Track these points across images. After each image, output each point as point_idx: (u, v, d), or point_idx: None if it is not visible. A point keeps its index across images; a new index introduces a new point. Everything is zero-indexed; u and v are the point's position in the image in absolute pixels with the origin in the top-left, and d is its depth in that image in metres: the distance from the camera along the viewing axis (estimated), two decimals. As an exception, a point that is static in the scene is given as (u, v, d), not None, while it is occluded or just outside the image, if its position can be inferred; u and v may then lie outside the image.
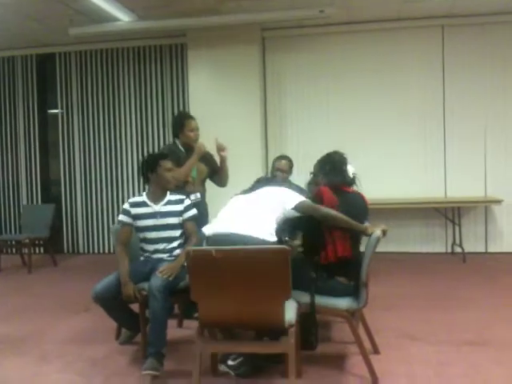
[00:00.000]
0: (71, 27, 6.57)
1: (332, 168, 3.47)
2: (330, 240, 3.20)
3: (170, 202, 3.80)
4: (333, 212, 3.17)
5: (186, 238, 3.81)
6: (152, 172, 3.80)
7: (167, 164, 3.83)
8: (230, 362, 3.22)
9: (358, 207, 3.39)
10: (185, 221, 3.78)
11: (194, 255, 2.62)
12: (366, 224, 3.26)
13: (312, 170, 4.48)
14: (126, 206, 3.82)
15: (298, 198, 3.26)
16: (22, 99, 8.12)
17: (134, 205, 3.80)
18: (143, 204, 3.80)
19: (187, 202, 3.85)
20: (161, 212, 3.76)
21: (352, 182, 3.53)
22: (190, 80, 7.24)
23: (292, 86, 7.38)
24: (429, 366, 3.33)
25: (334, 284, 3.26)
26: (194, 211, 3.85)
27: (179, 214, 3.78)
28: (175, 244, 3.77)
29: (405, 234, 7.14)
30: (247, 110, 7.01)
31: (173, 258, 3.70)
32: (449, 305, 4.68)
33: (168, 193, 3.85)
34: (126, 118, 7.84)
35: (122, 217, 3.80)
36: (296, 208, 3.21)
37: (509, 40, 6.89)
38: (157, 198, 3.81)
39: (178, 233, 3.79)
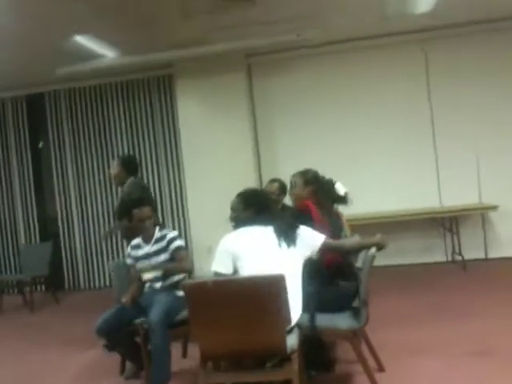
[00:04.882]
0: (58, 67, 6.62)
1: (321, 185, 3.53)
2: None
3: (157, 240, 3.82)
4: (354, 243, 3.22)
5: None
6: (128, 221, 3.84)
7: (141, 213, 3.77)
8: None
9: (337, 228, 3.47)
10: (172, 253, 3.76)
11: (190, 288, 2.62)
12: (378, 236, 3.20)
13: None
14: (128, 249, 3.91)
15: (320, 238, 3.07)
16: (14, 140, 8.15)
17: (133, 247, 3.88)
18: (139, 246, 3.86)
19: (170, 235, 3.81)
20: (150, 252, 3.79)
21: (344, 200, 3.56)
22: (179, 110, 7.30)
23: (280, 109, 7.42)
24: (435, 380, 3.31)
25: (336, 293, 3.28)
26: (177, 242, 3.79)
27: (165, 249, 3.77)
28: (172, 278, 3.77)
29: (403, 246, 7.10)
30: (238, 135, 7.05)
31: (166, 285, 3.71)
32: (451, 316, 4.65)
33: (156, 229, 3.86)
34: (118, 152, 7.84)
35: (127, 260, 3.91)
36: (322, 249, 3.05)
37: (494, 49, 6.91)
38: (147, 237, 3.84)
39: None
